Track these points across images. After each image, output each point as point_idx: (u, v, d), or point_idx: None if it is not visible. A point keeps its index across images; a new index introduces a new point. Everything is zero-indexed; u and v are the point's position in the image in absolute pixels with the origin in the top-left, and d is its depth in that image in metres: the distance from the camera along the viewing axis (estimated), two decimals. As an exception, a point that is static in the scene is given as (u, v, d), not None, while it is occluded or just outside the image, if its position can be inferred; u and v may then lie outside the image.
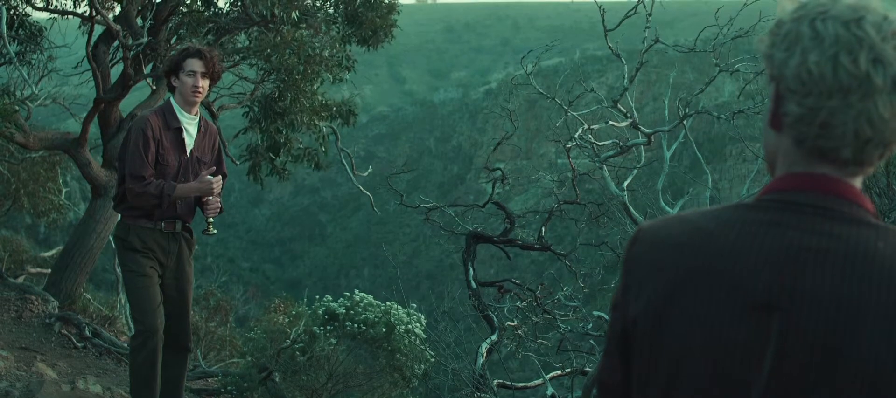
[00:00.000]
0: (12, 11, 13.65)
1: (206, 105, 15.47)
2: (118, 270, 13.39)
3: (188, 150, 6.82)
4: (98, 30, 14.10)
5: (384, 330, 10.49)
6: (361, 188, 16.63)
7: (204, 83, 6.67)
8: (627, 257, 1.92)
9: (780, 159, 1.88)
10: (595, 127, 10.23)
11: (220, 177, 6.88)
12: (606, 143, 10.25)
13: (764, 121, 1.94)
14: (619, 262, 1.98)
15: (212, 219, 6.99)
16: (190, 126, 6.81)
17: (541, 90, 10.70)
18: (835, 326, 1.67)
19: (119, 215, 7.18)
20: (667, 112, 10.64)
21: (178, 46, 7.60)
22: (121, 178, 6.85)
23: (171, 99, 6.80)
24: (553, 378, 9.35)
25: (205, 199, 6.86)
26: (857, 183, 1.82)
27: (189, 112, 6.77)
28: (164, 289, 6.92)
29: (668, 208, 9.69)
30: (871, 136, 1.73)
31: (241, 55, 14.97)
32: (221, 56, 7.53)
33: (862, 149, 1.75)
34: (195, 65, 6.62)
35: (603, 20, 10.12)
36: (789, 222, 1.76)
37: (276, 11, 13.55)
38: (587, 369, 9.18)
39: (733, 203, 1.86)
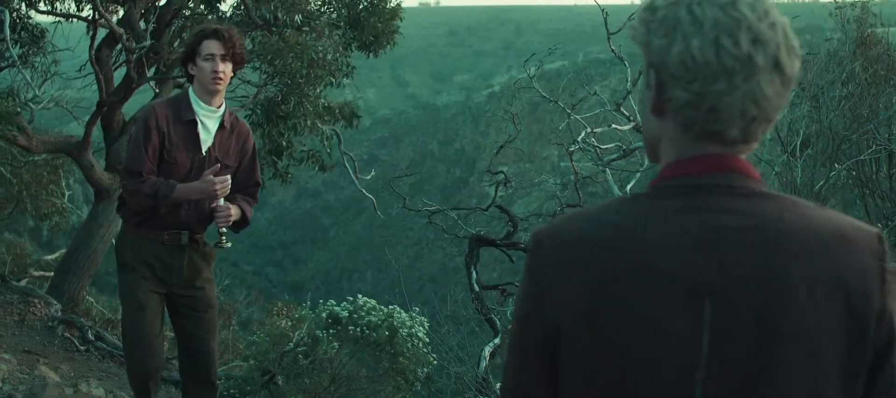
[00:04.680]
0: (15, 14, 13.65)
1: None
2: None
3: (204, 148, 5.89)
4: (101, 33, 14.11)
5: (387, 333, 10.50)
6: (364, 191, 16.60)
7: (225, 67, 5.80)
8: (535, 263, 1.88)
9: (664, 144, 1.91)
10: (598, 130, 10.22)
11: (226, 177, 5.83)
12: (609, 146, 10.25)
13: (642, 107, 1.97)
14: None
15: (224, 230, 6.02)
16: (208, 119, 5.90)
17: (544, 93, 10.69)
18: (765, 302, 1.73)
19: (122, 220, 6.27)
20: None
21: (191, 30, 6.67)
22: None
23: (190, 90, 5.93)
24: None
25: (213, 204, 5.88)
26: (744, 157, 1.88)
27: (209, 103, 5.87)
28: (176, 317, 6.12)
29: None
30: (757, 114, 1.79)
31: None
32: (242, 36, 6.64)
33: (748, 127, 1.81)
34: (213, 46, 5.76)
35: (606, 23, 10.12)
36: (700, 205, 1.80)
37: (279, 15, 13.56)
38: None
39: (628, 195, 1.87)
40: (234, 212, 5.98)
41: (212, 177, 5.73)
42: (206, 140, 5.91)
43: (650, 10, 1.84)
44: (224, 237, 6.04)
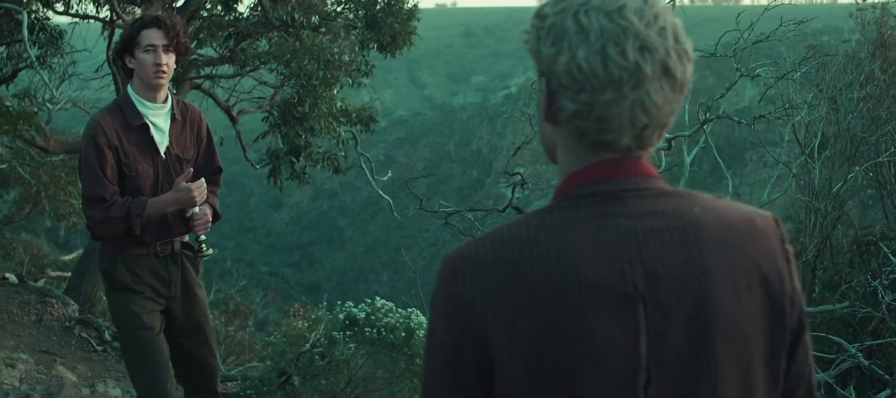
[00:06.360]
0: (33, 15, 13.70)
1: (226, 109, 15.51)
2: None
3: (162, 149, 5.31)
4: (118, 33, 14.15)
5: (404, 335, 10.48)
6: (381, 192, 16.59)
7: (168, 59, 5.16)
8: (455, 290, 1.79)
9: (560, 151, 1.89)
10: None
11: (201, 181, 5.31)
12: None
13: (538, 113, 1.93)
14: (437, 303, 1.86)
15: (203, 237, 5.50)
16: (157, 118, 5.29)
17: (560, 95, 10.65)
18: (694, 299, 1.73)
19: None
20: (687, 117, 10.58)
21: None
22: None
23: (129, 88, 5.29)
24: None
25: (188, 212, 5.33)
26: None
27: (154, 100, 5.25)
28: (173, 329, 5.54)
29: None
30: (648, 122, 1.76)
31: (261, 60, 15.00)
32: (185, 25, 5.75)
33: (640, 135, 1.78)
34: (154, 36, 5.10)
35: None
36: (614, 211, 1.77)
37: (296, 16, 13.58)
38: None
39: (536, 210, 1.83)
40: (208, 212, 5.49)
41: (185, 184, 5.21)
42: (162, 141, 5.33)
43: (540, 17, 1.81)
44: (204, 245, 5.57)
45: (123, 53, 5.22)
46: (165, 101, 5.33)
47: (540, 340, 1.72)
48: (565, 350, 1.71)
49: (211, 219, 5.50)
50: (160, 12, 5.63)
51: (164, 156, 5.31)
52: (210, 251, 5.60)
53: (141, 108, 5.22)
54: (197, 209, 5.34)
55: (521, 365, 1.73)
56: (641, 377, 1.70)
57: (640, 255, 1.73)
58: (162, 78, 5.16)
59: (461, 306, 1.78)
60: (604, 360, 1.70)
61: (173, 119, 5.37)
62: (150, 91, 5.22)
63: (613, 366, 1.70)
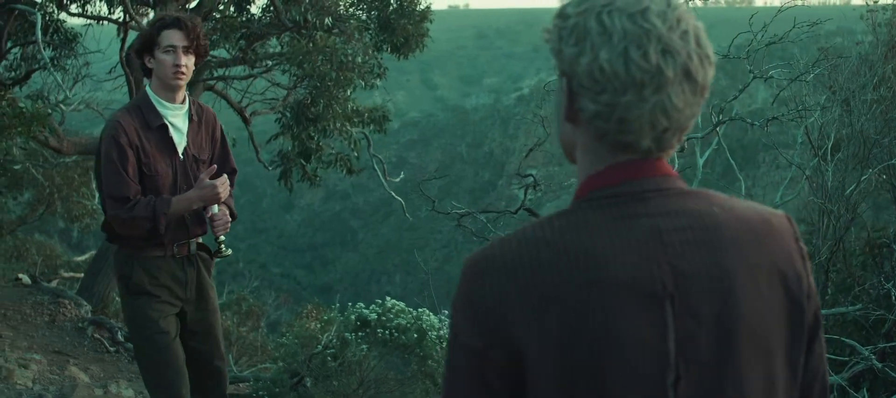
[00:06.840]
0: (47, 17, 13.74)
1: (239, 110, 15.53)
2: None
3: (180, 150, 5.32)
4: (132, 35, 14.18)
5: (416, 336, 10.48)
6: (393, 194, 16.60)
7: (187, 60, 5.17)
8: (480, 293, 1.79)
9: (580, 151, 1.90)
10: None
11: (224, 177, 5.33)
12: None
13: (557, 112, 1.94)
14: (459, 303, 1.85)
15: (223, 238, 5.48)
16: (176, 119, 5.30)
17: (573, 96, 10.62)
18: (719, 297, 1.75)
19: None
20: (700, 118, 10.58)
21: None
22: (103, 204, 5.32)
23: (148, 88, 5.28)
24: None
25: (209, 212, 5.37)
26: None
27: (172, 101, 5.26)
28: (184, 331, 5.52)
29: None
30: (668, 125, 1.77)
31: (274, 61, 15.01)
32: (202, 26, 5.73)
33: (660, 138, 1.79)
34: (174, 38, 5.10)
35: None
36: (637, 212, 1.78)
37: (309, 18, 13.58)
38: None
39: (558, 212, 1.82)
40: (227, 212, 5.49)
41: (210, 180, 5.25)
42: (181, 141, 5.34)
43: (562, 17, 1.81)
44: (223, 244, 5.53)
45: (143, 53, 5.22)
46: (183, 101, 5.34)
47: (567, 341, 1.72)
48: (593, 350, 1.71)
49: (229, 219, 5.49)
50: (178, 13, 5.53)
51: (181, 156, 5.32)
52: (228, 251, 5.56)
53: (160, 109, 5.23)
54: (216, 209, 5.35)
55: (548, 365, 1.74)
56: (670, 375, 1.71)
57: (666, 255, 1.74)
58: (180, 79, 5.17)
59: (486, 308, 1.78)
60: (632, 359, 1.71)
61: (190, 120, 5.38)
62: (169, 91, 5.23)
63: (642, 364, 1.71)
